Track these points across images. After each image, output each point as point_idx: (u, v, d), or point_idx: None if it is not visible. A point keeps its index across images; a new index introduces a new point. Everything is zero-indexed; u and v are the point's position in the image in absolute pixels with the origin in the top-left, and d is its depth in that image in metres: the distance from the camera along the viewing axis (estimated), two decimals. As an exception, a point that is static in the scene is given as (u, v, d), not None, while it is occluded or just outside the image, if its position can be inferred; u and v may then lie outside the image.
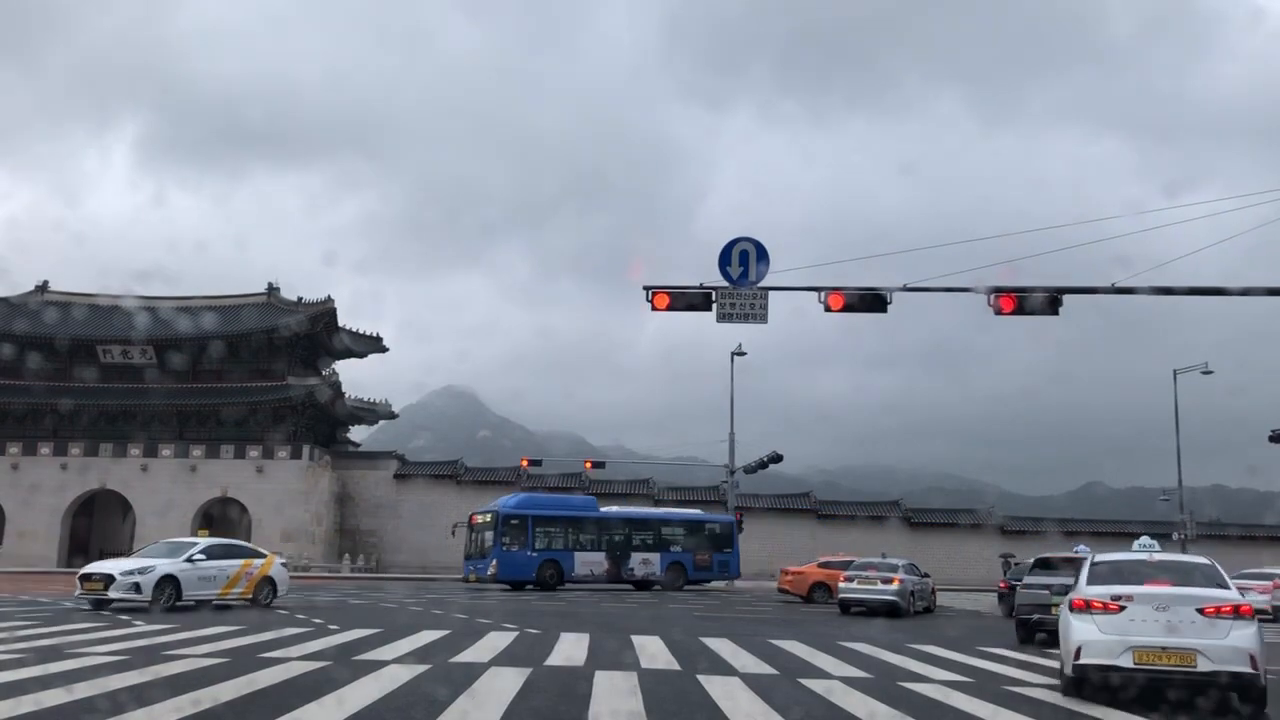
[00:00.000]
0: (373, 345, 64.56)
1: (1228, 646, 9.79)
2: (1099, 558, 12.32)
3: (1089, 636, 10.33)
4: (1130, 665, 10.09)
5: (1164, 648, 9.98)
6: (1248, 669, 9.77)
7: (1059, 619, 11.77)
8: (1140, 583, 10.71)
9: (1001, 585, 27.59)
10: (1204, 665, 9.78)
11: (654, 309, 17.77)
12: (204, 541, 22.90)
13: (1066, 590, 12.94)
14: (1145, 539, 15.56)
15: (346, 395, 61.48)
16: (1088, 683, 10.54)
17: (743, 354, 43.37)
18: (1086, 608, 10.53)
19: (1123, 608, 10.30)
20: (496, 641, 15.16)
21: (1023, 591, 18.52)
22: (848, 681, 11.49)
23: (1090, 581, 11.12)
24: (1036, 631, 17.68)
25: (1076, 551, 20.64)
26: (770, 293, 17.60)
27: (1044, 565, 19.55)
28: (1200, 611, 10.01)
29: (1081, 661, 10.37)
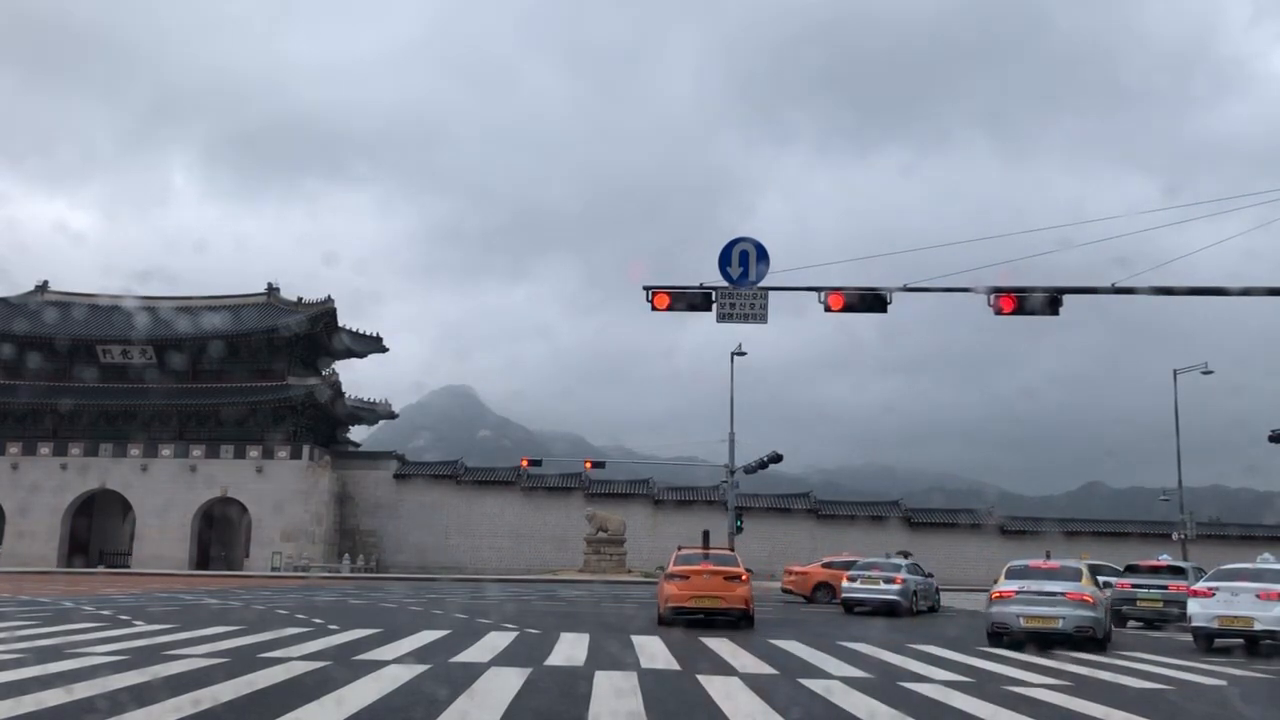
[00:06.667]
0: (372, 345, 64.54)
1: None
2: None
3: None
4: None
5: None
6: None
7: None
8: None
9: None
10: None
11: (654, 309, 17.74)
12: None
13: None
14: (1267, 555, 21.02)
15: (346, 395, 61.47)
16: None
17: (743, 354, 43.30)
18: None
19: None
20: (496, 641, 15.16)
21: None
22: (848, 681, 11.49)
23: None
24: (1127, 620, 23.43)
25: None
26: (770, 293, 17.59)
27: (1131, 570, 25.26)
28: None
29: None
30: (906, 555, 30.14)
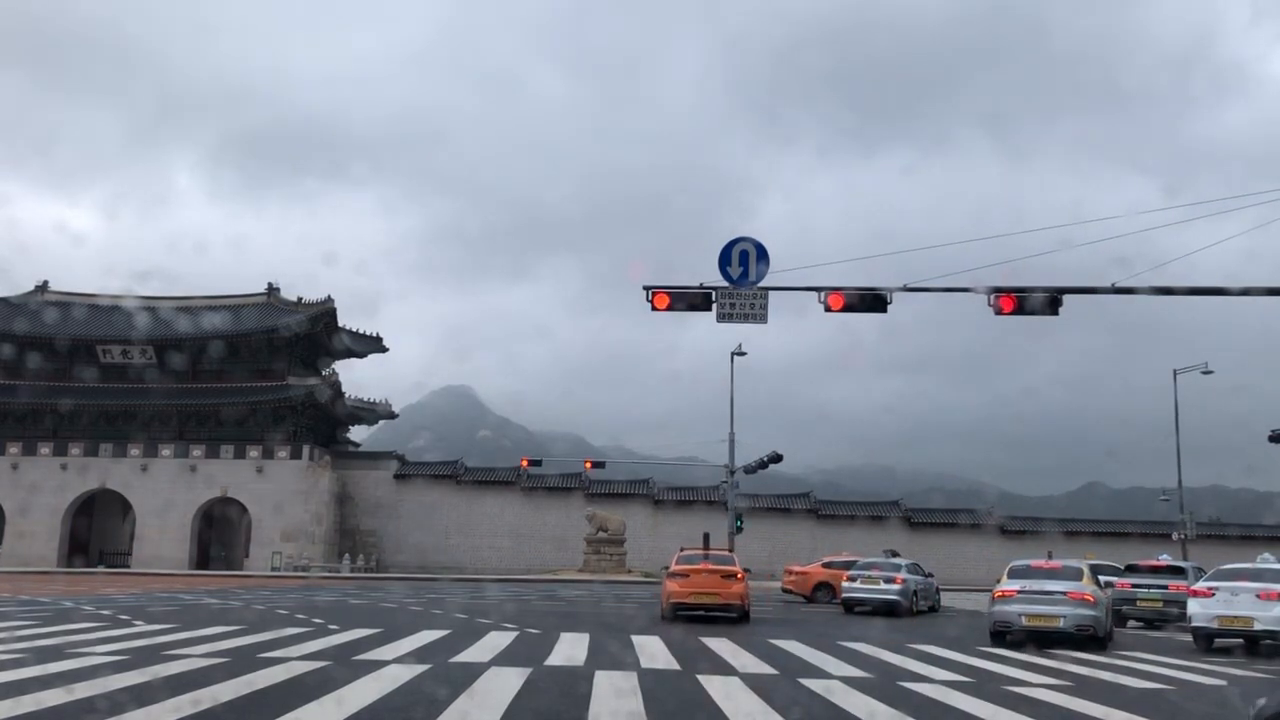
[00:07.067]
0: (372, 345, 64.52)
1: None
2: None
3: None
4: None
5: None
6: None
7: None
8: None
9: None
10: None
11: (654, 309, 17.73)
12: None
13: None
14: (1267, 555, 21.52)
15: (346, 395, 61.45)
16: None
17: (743, 354, 43.27)
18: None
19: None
20: (496, 641, 15.16)
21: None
22: (848, 681, 11.49)
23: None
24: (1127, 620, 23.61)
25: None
26: (770, 293, 17.58)
27: (1131, 569, 25.27)
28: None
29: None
30: (894, 555, 30.40)
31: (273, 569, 54.39)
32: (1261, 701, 5.35)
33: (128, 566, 55.33)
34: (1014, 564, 19.26)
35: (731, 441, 43.21)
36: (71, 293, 63.10)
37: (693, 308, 17.77)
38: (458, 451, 71.26)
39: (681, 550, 23.98)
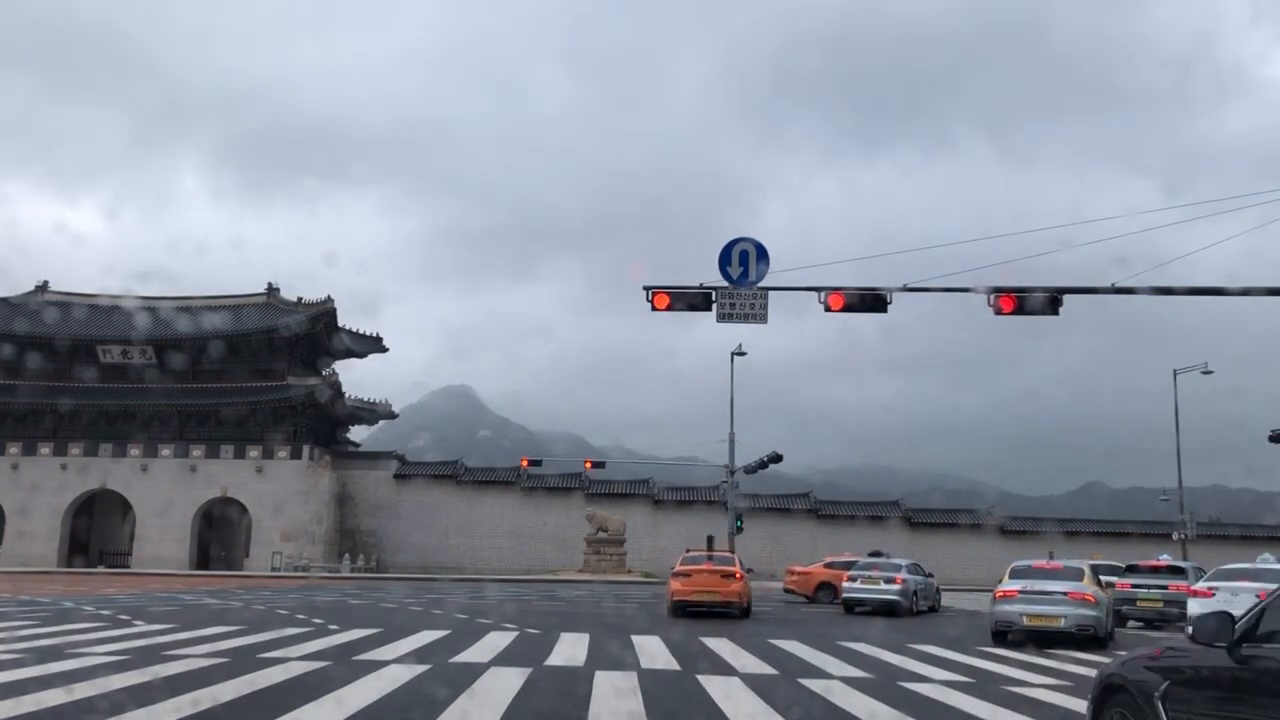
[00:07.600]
0: (372, 345, 64.52)
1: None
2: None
3: None
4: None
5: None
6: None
7: None
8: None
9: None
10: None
11: (654, 309, 17.71)
12: None
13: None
14: (1267, 555, 21.83)
15: (346, 395, 61.44)
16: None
17: (743, 354, 43.27)
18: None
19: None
20: (496, 641, 15.16)
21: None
22: (848, 681, 11.49)
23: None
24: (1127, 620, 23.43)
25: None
26: (770, 293, 17.56)
27: (1131, 569, 24.92)
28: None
29: None
30: (879, 554, 31.10)
31: (273, 569, 54.38)
32: (1106, 664, 5.56)
33: (128, 566, 55.33)
34: (1015, 564, 19.33)
35: (731, 441, 43.21)
36: (71, 293, 63.09)
37: (693, 308, 17.75)
38: (458, 451, 71.25)
39: (687, 552, 25.92)
